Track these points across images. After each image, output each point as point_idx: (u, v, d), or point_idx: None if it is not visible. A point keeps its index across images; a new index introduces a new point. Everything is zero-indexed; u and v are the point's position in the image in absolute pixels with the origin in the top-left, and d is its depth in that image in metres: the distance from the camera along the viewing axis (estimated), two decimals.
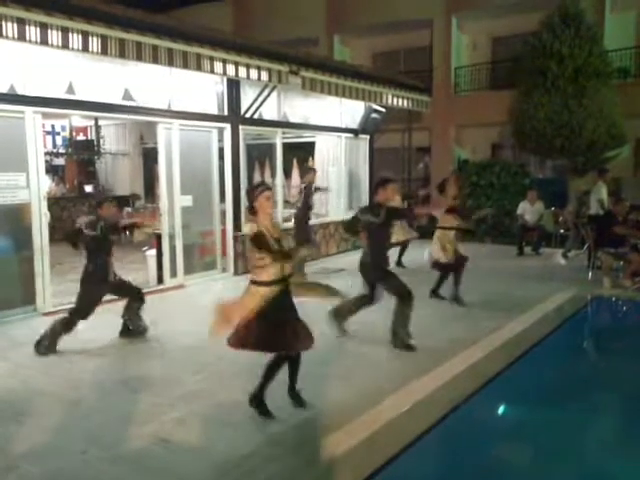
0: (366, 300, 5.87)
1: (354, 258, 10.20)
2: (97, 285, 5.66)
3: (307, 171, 9.54)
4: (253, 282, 4.08)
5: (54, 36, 6.05)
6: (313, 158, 12.56)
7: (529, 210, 11.71)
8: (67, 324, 5.58)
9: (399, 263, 9.84)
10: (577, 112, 12.95)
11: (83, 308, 5.62)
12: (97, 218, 5.69)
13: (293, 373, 4.30)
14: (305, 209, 9.13)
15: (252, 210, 4.16)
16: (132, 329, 5.97)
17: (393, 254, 8.22)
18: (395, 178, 6.11)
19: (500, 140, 16.82)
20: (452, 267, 7.35)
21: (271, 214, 4.20)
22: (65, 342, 5.58)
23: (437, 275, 7.55)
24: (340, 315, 5.96)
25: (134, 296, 5.99)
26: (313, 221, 10.06)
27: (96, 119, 13.00)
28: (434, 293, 7.54)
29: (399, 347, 5.63)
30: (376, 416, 4.10)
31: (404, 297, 5.64)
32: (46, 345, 5.50)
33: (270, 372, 4.14)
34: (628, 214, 9.04)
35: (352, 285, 6.15)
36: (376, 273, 5.74)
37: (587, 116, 12.92)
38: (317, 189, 9.45)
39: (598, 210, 10.09)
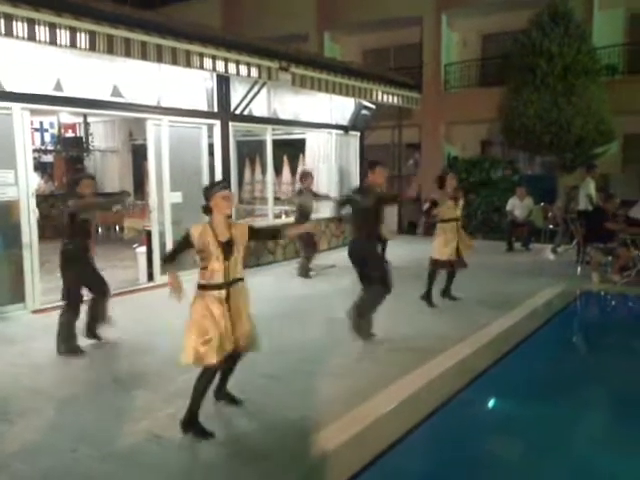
0: (381, 291, 5.70)
1: (345, 255, 10.26)
2: (73, 264, 5.46)
3: (305, 176, 9.53)
4: (198, 286, 3.91)
5: (42, 32, 6.01)
6: (304, 155, 12.56)
7: (518, 206, 11.80)
8: (67, 312, 5.47)
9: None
10: (566, 109, 13.02)
11: (71, 292, 5.48)
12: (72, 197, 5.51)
13: (227, 374, 4.20)
14: (299, 211, 9.19)
15: (207, 209, 3.91)
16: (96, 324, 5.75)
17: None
18: (383, 162, 6.07)
19: (489, 137, 16.87)
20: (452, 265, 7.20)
21: (227, 214, 3.91)
22: (54, 340, 5.56)
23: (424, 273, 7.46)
24: (364, 320, 5.73)
25: (101, 290, 5.73)
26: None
27: (85, 116, 12.91)
28: (445, 294, 7.39)
29: (361, 334, 5.59)
30: (366, 412, 4.12)
31: (382, 287, 5.58)
32: (64, 343, 5.42)
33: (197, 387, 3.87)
34: (617, 210, 9.12)
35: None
36: (364, 252, 5.64)
37: (576, 113, 12.99)
38: (317, 195, 9.59)
39: (587, 206, 10.17)
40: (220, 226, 3.87)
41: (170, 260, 4.13)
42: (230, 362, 4.05)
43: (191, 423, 3.83)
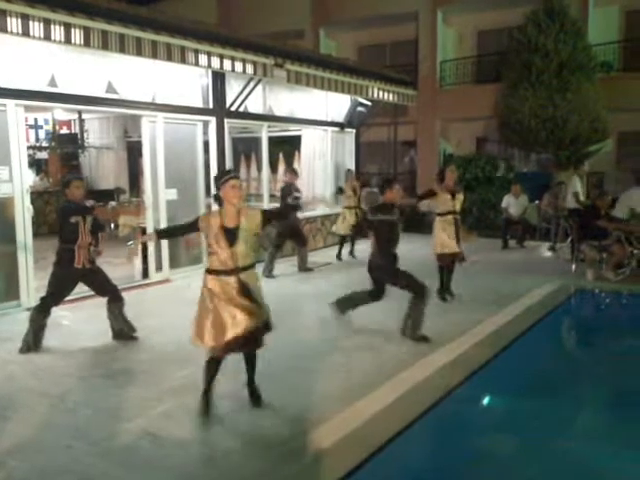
0: (373, 297, 5.90)
1: (342, 252, 10.25)
2: (63, 269, 5.46)
3: (287, 172, 9.53)
4: (206, 270, 4.04)
5: (36, 27, 5.98)
6: (299, 152, 12.55)
7: (513, 203, 11.81)
8: (40, 309, 5.49)
9: (339, 257, 10.20)
10: (561, 106, 13.06)
11: (52, 292, 5.50)
12: (65, 201, 5.58)
13: (248, 369, 4.20)
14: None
15: (217, 198, 3.99)
16: (117, 330, 5.73)
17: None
18: (397, 179, 6.17)
19: (485, 134, 16.90)
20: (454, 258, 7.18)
21: (236, 204, 3.94)
22: (50, 336, 5.55)
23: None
24: (343, 307, 6.04)
25: (109, 292, 5.74)
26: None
27: (79, 112, 12.86)
28: (447, 291, 7.34)
29: (414, 338, 5.67)
30: (364, 408, 4.12)
31: (418, 293, 5.68)
32: (28, 340, 5.41)
33: (205, 373, 4.08)
34: (610, 207, 9.14)
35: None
36: (387, 272, 5.76)
37: (571, 110, 13.03)
38: (296, 197, 9.14)
39: (575, 204, 10.19)
40: (229, 213, 3.93)
41: (163, 234, 4.66)
42: (244, 350, 4.08)
43: (204, 403, 4.04)
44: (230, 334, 3.86)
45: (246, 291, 3.92)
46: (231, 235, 3.89)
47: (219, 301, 3.89)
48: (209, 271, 3.98)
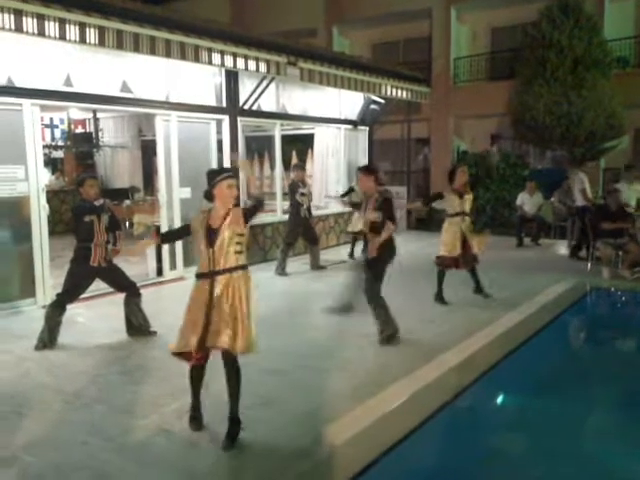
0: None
1: (354, 250, 10.24)
2: (79, 267, 5.53)
3: (294, 168, 9.47)
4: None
5: (51, 27, 6.03)
6: (312, 150, 12.54)
7: (528, 201, 11.73)
8: (55, 305, 5.56)
9: (351, 255, 10.06)
10: (576, 102, 12.93)
11: (67, 289, 5.56)
12: (79, 200, 5.66)
13: (229, 393, 3.77)
14: (293, 207, 9.04)
15: (209, 195, 3.72)
16: (136, 325, 5.81)
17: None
18: (373, 168, 5.98)
19: (499, 131, 16.78)
20: (457, 263, 6.95)
21: (228, 204, 3.68)
22: (65, 334, 5.60)
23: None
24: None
25: (127, 288, 5.82)
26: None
27: (94, 111, 12.96)
28: (480, 292, 7.18)
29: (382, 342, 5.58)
30: (375, 407, 4.11)
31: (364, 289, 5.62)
32: (43, 338, 5.46)
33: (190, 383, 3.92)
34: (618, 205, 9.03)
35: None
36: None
37: (586, 106, 12.90)
38: (303, 194, 9.01)
39: (582, 201, 10.09)
40: (217, 213, 3.69)
41: (164, 238, 4.60)
42: (223, 365, 3.78)
43: (191, 418, 3.91)
44: (192, 341, 3.70)
45: (220, 297, 3.62)
46: (212, 235, 3.63)
47: (196, 306, 3.72)
48: (196, 276, 3.78)
